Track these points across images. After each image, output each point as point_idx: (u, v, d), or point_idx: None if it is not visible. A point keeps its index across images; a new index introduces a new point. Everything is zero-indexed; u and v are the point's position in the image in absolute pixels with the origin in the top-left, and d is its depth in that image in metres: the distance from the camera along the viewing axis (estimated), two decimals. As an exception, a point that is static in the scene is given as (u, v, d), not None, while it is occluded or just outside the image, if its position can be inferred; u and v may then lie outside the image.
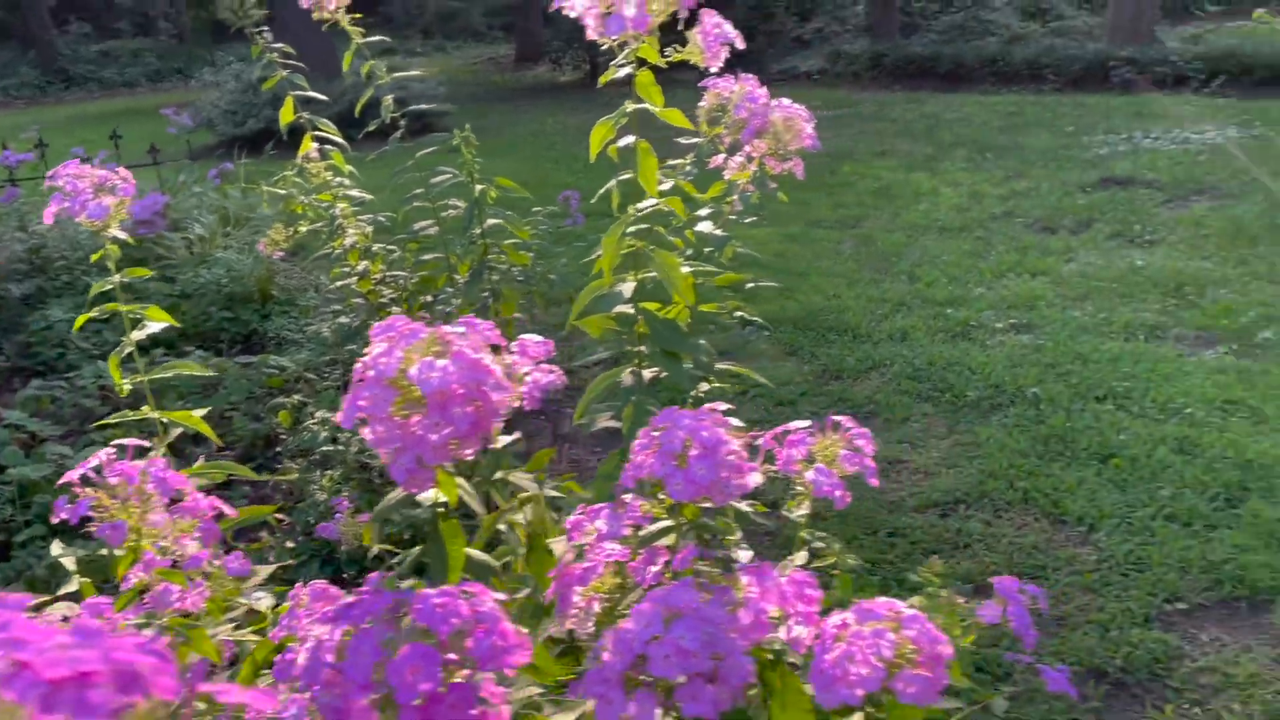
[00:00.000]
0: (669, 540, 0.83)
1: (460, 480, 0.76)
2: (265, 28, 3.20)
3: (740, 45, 1.39)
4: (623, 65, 1.40)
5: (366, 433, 0.66)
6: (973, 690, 2.04)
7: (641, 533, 0.83)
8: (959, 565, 2.61)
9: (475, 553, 0.82)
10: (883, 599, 0.75)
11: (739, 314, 1.74)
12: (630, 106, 1.44)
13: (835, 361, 3.94)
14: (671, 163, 1.92)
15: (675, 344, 1.54)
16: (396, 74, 3.31)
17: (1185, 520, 2.69)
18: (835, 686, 0.69)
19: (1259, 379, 3.46)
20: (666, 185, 1.74)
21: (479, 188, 3.11)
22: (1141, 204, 5.72)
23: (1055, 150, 7.18)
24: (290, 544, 2.55)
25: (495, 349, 0.98)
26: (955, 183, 6.58)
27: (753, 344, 4.22)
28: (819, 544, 1.02)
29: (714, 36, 1.34)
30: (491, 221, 3.18)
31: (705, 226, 1.76)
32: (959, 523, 2.79)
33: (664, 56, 1.40)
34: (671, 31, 1.44)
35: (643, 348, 1.62)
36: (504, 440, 1.13)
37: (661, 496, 0.85)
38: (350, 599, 0.57)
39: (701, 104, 1.81)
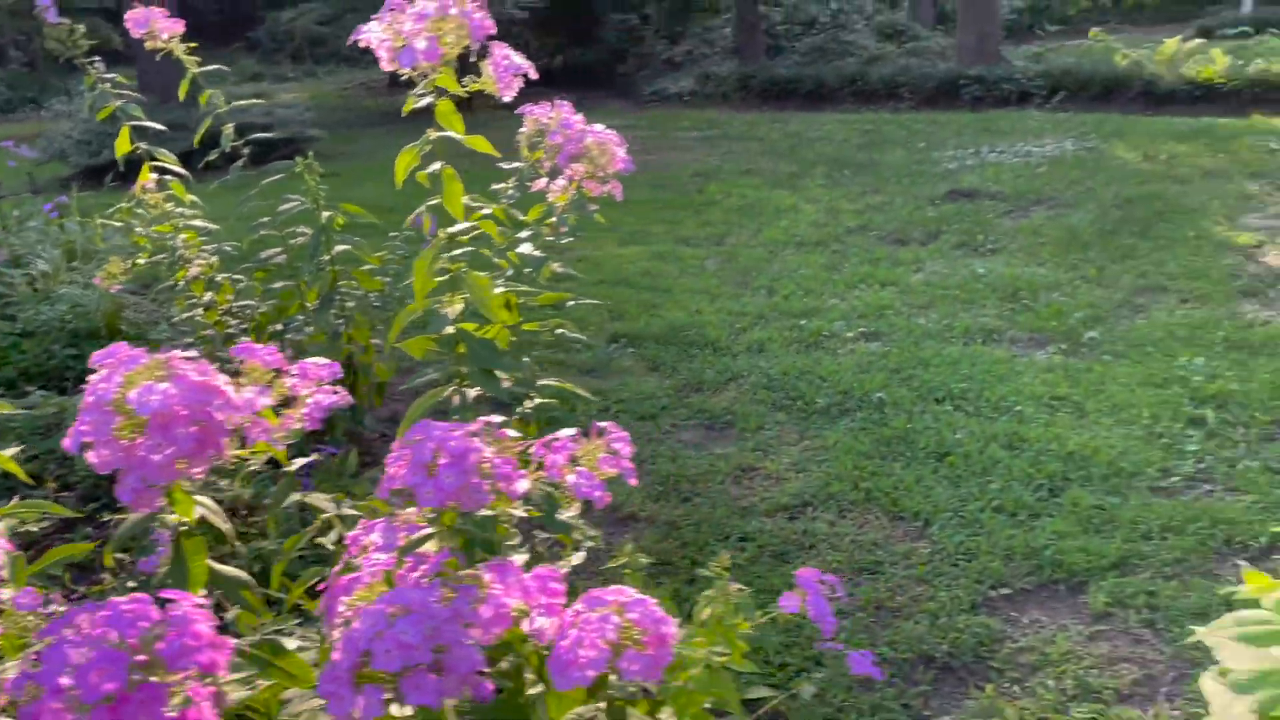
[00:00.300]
0: (431, 546, 0.87)
1: (204, 499, 0.79)
2: (97, 58, 3.13)
3: (534, 75, 1.45)
4: (423, 95, 1.45)
5: (91, 457, 0.69)
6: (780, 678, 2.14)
7: (405, 541, 0.88)
8: (804, 564, 2.71)
9: (222, 567, 0.85)
10: (614, 586, 0.81)
11: (560, 331, 1.80)
12: (433, 134, 1.48)
13: (696, 375, 4.04)
14: (495, 186, 1.98)
15: (492, 362, 1.58)
16: (240, 101, 3.27)
17: (1012, 511, 2.87)
18: (568, 670, 0.74)
19: (1083, 376, 3.70)
20: (488, 209, 1.79)
21: (326, 214, 3.10)
22: (985, 215, 6.04)
23: (908, 165, 7.52)
24: (132, 584, 2.48)
25: (277, 373, 1.01)
26: (815, 199, 6.82)
27: (617, 360, 4.29)
28: (590, 543, 1.08)
29: (504, 67, 1.40)
30: (341, 248, 3.17)
31: (526, 248, 1.81)
32: (806, 524, 2.91)
33: (463, 86, 1.45)
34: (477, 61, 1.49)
35: (463, 367, 1.66)
36: (299, 462, 1.16)
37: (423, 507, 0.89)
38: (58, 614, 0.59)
39: (521, 130, 1.87)
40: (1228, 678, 0.82)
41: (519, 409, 1.75)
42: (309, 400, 1.01)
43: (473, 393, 1.68)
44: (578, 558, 1.06)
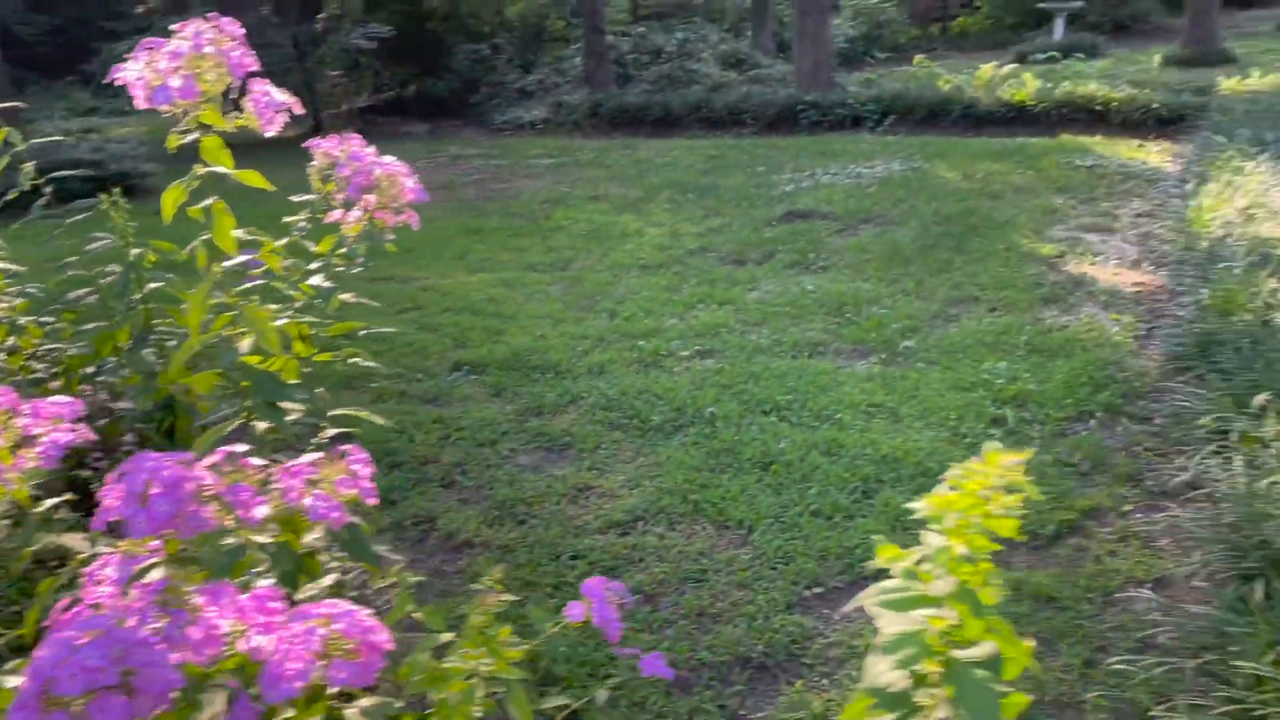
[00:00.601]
0: (157, 575, 0.89)
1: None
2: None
3: (299, 110, 1.48)
4: (188, 131, 1.46)
5: None
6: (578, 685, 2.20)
7: (132, 571, 0.89)
8: (633, 578, 2.79)
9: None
10: (329, 600, 0.85)
11: (353, 360, 1.82)
12: (200, 169, 1.49)
13: (537, 399, 4.09)
14: (288, 219, 1.99)
15: (276, 394, 1.59)
16: (53, 137, 3.17)
17: (828, 514, 3.02)
18: (278, 684, 0.78)
19: (898, 384, 3.92)
20: (281, 242, 1.80)
21: (135, 251, 3.02)
22: (818, 234, 6.31)
23: (748, 189, 7.77)
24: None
25: (9, 414, 1.00)
26: (659, 223, 6.98)
27: (460, 388, 4.30)
28: (336, 563, 1.11)
29: (265, 104, 1.43)
30: (154, 285, 3.09)
31: (316, 279, 1.83)
32: (636, 539, 2.98)
33: (228, 121, 1.47)
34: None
35: (249, 401, 1.66)
36: (50, 502, 1.15)
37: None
38: None
39: (312, 164, 1.89)
40: (878, 640, 0.91)
41: (313, 440, 1.76)
42: (43, 439, 1.01)
43: (262, 426, 1.68)
44: (329, 579, 1.09)
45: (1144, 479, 3.10)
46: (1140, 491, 3.03)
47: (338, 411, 1.79)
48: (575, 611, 1.54)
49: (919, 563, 0.97)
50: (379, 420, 1.83)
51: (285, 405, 1.67)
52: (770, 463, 3.36)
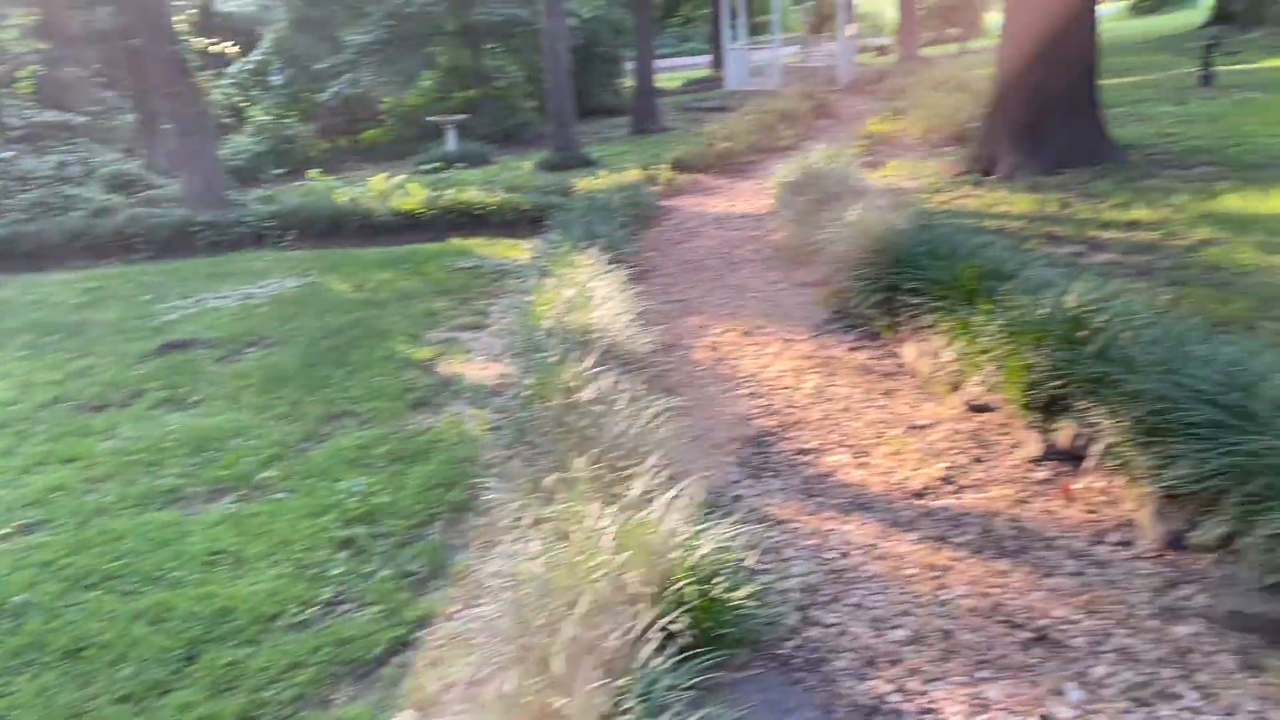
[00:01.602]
0: None
1: None
2: None
3: None
4: None
5: None
6: None
7: None
8: None
9: None
10: None
11: None
12: None
13: None
14: None
15: None
16: None
17: (140, 696, 2.68)
18: None
19: (250, 522, 3.69)
20: None
21: None
22: (197, 364, 5.88)
23: (125, 322, 7.07)
24: None
25: None
26: (7, 375, 6.03)
27: None
28: None
29: None
30: None
31: None
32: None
33: None
34: None
35: None
36: None
37: None
38: None
39: None
40: None
41: None
42: None
43: None
44: None
45: (475, 574, 3.20)
46: (466, 589, 3.13)
47: None
48: None
49: None
50: None
51: None
52: (83, 648, 2.93)
